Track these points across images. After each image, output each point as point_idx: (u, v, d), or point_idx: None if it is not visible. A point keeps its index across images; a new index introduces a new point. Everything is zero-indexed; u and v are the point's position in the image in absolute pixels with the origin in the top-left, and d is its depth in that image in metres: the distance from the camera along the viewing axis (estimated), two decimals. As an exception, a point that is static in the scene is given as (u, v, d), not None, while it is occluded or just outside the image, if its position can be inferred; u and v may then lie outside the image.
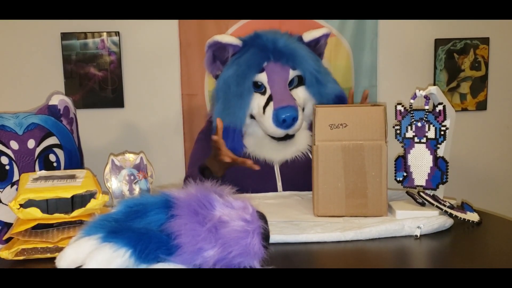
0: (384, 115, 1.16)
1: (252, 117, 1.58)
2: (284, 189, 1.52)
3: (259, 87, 1.57)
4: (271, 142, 1.57)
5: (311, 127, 1.43)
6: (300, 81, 1.59)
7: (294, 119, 1.49)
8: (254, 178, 1.48)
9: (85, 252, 0.80)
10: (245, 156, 1.54)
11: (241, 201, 0.88)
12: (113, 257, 0.79)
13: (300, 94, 1.58)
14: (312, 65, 1.59)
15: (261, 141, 1.58)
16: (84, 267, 0.79)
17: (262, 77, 1.56)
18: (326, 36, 1.68)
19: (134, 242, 0.80)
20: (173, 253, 0.81)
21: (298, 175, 1.50)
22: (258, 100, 1.55)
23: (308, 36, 1.65)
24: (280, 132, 1.52)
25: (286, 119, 1.47)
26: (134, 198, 0.92)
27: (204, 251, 0.81)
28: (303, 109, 1.57)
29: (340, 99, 1.62)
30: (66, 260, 0.82)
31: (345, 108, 1.20)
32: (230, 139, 1.52)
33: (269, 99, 1.53)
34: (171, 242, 0.82)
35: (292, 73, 1.58)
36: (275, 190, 1.52)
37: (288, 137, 1.55)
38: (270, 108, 1.51)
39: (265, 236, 0.86)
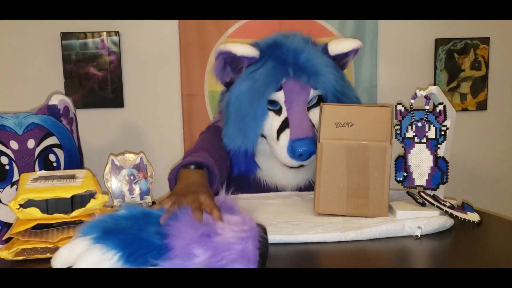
0: (391, 117, 1.16)
1: (262, 135, 1.43)
2: None
3: (273, 103, 1.41)
4: (283, 167, 1.43)
5: None
6: (320, 99, 1.43)
7: (312, 153, 1.34)
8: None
9: (77, 252, 0.80)
10: (257, 181, 1.46)
11: (240, 216, 0.87)
12: (102, 259, 0.78)
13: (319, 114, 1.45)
14: (336, 86, 1.41)
15: (272, 163, 1.45)
16: (74, 267, 0.79)
17: (279, 96, 1.40)
18: (356, 51, 1.47)
19: (124, 245, 0.79)
20: (164, 257, 0.80)
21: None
22: (271, 121, 1.40)
23: (335, 49, 1.45)
24: (294, 163, 1.38)
25: (303, 153, 1.34)
26: (142, 208, 0.91)
27: (195, 256, 0.79)
28: None
29: None
30: (60, 260, 0.81)
31: (352, 107, 1.20)
32: (242, 162, 1.41)
33: (285, 123, 1.38)
34: (163, 245, 0.81)
35: (313, 93, 1.41)
36: None
37: (302, 165, 1.41)
38: (286, 136, 1.36)
39: (263, 251, 0.84)
